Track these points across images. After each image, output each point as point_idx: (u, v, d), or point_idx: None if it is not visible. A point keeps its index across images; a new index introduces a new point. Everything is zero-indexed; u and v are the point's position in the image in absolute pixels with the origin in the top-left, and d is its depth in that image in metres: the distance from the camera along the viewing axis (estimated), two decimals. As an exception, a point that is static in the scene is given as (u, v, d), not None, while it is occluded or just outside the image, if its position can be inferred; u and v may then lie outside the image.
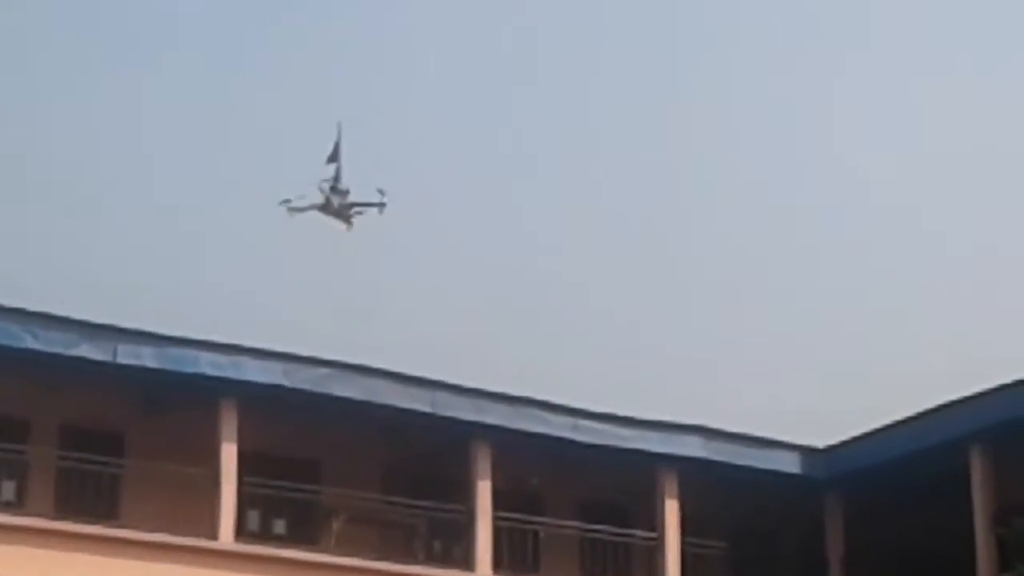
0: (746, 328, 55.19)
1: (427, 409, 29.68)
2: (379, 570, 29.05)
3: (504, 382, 31.03)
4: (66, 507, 27.90)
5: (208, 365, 28.31)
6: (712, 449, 31.87)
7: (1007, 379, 29.71)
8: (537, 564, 31.01)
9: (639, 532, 31.55)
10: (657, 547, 31.27)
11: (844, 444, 32.69)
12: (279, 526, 29.90)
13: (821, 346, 55.61)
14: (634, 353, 54.06)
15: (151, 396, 28.60)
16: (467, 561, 29.97)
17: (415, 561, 30.24)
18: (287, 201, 30.60)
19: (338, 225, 31.05)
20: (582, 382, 37.20)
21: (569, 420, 30.84)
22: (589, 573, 31.59)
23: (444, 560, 30.63)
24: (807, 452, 32.86)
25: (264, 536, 29.37)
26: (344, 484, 29.85)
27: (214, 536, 27.87)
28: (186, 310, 35.36)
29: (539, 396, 30.95)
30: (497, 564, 30.02)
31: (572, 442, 30.68)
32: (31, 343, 27.08)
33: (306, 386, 28.72)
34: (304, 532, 29.79)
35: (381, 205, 32.29)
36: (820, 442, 33.08)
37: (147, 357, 27.99)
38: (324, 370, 29.12)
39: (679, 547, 31.20)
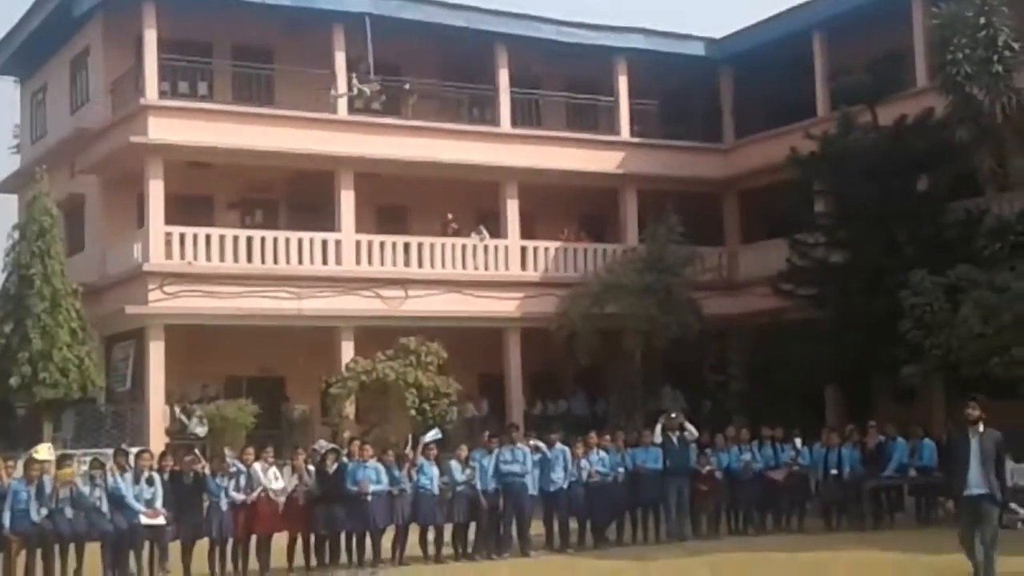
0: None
1: (463, 24, 29.34)
2: (440, 128, 29.27)
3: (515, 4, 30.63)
4: (240, 97, 28.34)
5: (323, 1, 28.02)
6: (649, 42, 31.58)
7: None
8: (539, 120, 31.29)
9: (603, 97, 31.78)
10: (614, 107, 31.42)
11: (732, 35, 32.32)
12: (376, 105, 29.16)
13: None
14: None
15: (290, 23, 28.22)
16: (495, 120, 30.35)
17: (462, 121, 30.57)
18: (333, 93, 27.96)
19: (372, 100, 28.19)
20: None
21: (555, 28, 30.58)
22: (572, 124, 31.66)
23: (480, 120, 30.91)
24: (709, 41, 32.63)
25: (365, 111, 29.08)
26: (415, 75, 29.78)
27: (335, 111, 28.14)
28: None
29: (536, 13, 30.57)
30: (514, 123, 30.26)
31: (559, 42, 30.50)
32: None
33: (386, 12, 28.36)
34: (391, 107, 29.48)
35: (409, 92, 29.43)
36: (717, 34, 32.78)
37: (287, -3, 27.67)
38: (401, 2, 28.68)
39: (628, 106, 31.35)
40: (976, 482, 12.08)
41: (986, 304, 21.87)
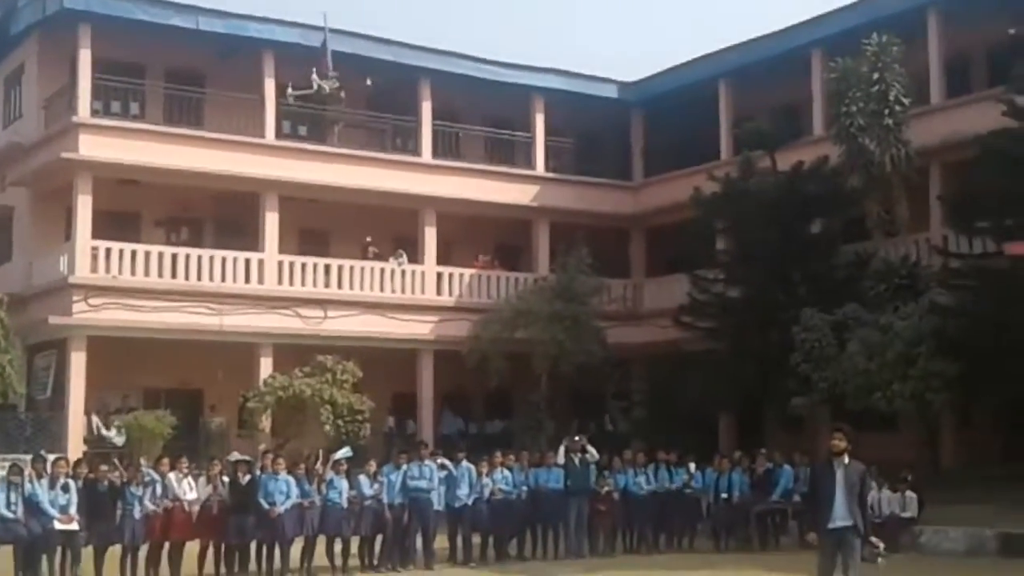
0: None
1: (390, 58, 29.39)
2: (364, 156, 29.25)
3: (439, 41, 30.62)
4: (170, 119, 27.94)
5: (254, 30, 27.93)
6: (565, 83, 31.77)
7: (743, 38, 30.16)
8: (458, 152, 31.28)
9: (520, 133, 31.90)
10: (531, 142, 31.62)
11: (644, 80, 32.73)
12: (303, 130, 30.08)
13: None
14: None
15: (221, 49, 28.12)
16: (416, 151, 30.29)
17: (385, 150, 30.42)
18: (290, 92, 27.85)
19: (331, 99, 28.26)
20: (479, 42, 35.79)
21: (477, 65, 30.66)
22: (490, 158, 31.70)
23: (402, 150, 30.77)
24: (622, 84, 32.94)
25: (292, 136, 29.56)
26: (344, 104, 29.14)
27: (262, 135, 28.00)
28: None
29: (460, 50, 30.63)
30: (434, 154, 30.28)
31: (480, 79, 30.55)
32: (141, 15, 26.76)
33: (316, 43, 28.09)
34: (317, 134, 29.84)
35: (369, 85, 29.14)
36: (630, 78, 33.08)
37: (217, 25, 27.64)
38: (331, 35, 28.26)
39: (544, 143, 31.56)
40: (841, 514, 11.52)
41: (871, 342, 22.30)
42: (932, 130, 25.35)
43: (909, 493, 20.33)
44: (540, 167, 31.63)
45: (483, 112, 32.00)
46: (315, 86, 27.88)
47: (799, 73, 28.54)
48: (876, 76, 24.27)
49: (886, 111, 24.23)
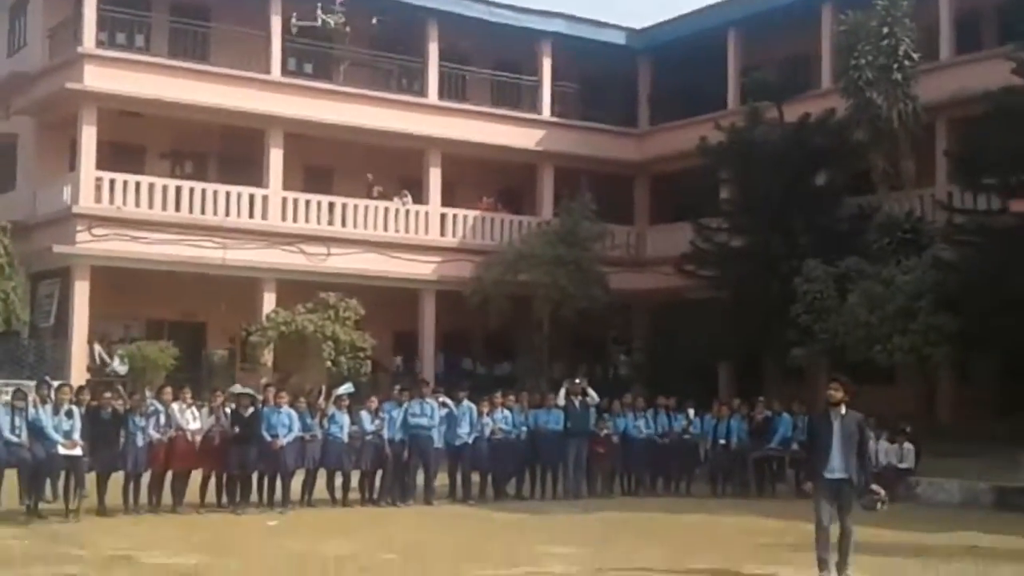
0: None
1: None
2: (370, 95, 29.07)
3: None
4: (175, 52, 27.74)
5: None
6: (573, 28, 31.53)
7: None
8: (464, 94, 31.06)
9: (526, 77, 31.62)
10: (537, 87, 31.36)
11: (652, 27, 32.51)
12: (308, 68, 29.71)
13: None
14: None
15: None
16: (422, 92, 30.07)
17: (391, 90, 30.20)
18: (293, 23, 27.41)
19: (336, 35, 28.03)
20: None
21: (484, 7, 30.45)
22: (496, 101, 31.58)
23: (408, 91, 30.54)
24: (630, 31, 32.69)
25: (298, 73, 29.28)
26: (349, 44, 29.04)
27: (268, 72, 27.76)
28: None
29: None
30: (440, 96, 30.13)
31: (487, 21, 30.41)
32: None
33: None
34: (323, 71, 29.48)
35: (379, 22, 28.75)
36: (638, 25, 32.95)
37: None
38: None
39: (550, 87, 31.38)
40: (838, 465, 11.41)
41: (872, 295, 22.29)
42: (940, 86, 25.24)
43: (907, 445, 20.40)
44: (546, 111, 31.44)
45: (490, 55, 31.72)
46: (319, 20, 27.57)
47: (809, 25, 28.32)
48: (886, 30, 24.08)
49: (895, 66, 24.07)
